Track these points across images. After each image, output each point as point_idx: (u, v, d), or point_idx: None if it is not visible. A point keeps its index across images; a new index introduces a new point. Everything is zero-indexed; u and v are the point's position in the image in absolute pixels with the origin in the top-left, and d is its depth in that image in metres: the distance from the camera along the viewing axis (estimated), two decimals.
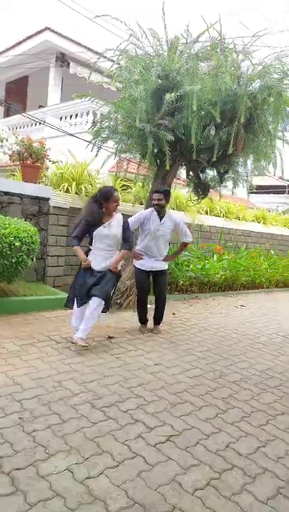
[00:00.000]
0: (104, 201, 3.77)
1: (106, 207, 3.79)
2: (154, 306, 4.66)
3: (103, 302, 3.71)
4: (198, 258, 7.68)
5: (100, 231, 3.79)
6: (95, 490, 1.80)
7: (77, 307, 3.78)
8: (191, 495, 1.84)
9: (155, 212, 4.41)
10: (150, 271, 4.49)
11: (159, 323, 4.66)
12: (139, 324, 4.66)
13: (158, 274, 4.52)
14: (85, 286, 3.73)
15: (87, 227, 3.82)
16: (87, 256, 3.86)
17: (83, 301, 3.74)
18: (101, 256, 3.83)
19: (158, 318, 4.64)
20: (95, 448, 2.13)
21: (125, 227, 3.93)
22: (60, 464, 1.95)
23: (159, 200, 4.35)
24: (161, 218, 4.41)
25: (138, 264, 4.49)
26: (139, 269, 4.49)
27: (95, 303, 3.66)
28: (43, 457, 2.00)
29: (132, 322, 4.90)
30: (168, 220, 4.44)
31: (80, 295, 3.75)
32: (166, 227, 4.42)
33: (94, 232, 3.80)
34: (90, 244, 3.91)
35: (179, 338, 4.48)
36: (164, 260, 4.54)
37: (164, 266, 4.53)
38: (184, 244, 4.70)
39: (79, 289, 3.76)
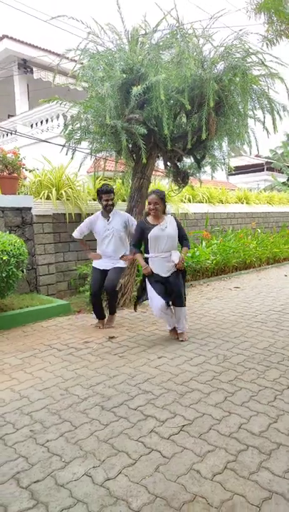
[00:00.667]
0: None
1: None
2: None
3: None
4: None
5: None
6: (116, 490, 1.81)
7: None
8: (211, 480, 1.86)
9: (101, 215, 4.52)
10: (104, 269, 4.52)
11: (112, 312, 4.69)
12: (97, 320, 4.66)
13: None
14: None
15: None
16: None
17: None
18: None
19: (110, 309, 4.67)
20: (109, 449, 2.14)
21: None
22: (77, 470, 1.96)
23: (112, 199, 4.44)
24: (108, 218, 4.48)
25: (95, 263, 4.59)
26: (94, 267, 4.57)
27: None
28: (59, 466, 2.00)
29: (130, 320, 4.91)
30: (115, 218, 4.48)
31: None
32: (113, 225, 4.44)
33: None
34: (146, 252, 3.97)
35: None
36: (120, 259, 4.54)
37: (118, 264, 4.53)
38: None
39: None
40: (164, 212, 3.98)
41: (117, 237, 4.46)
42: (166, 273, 3.90)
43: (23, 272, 4.70)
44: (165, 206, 4.00)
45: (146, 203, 3.99)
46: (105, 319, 4.64)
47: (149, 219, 3.96)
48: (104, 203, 4.45)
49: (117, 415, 2.50)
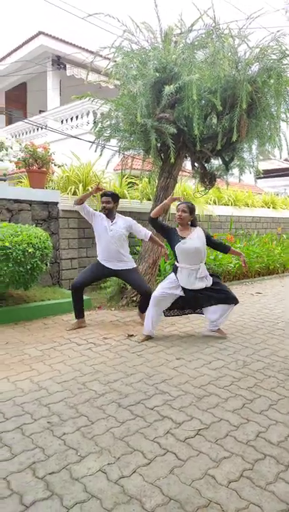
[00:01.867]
0: None
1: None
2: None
3: None
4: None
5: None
6: (130, 489, 1.81)
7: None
8: (226, 487, 1.84)
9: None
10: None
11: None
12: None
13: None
14: None
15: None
16: (176, 272, 3.99)
17: None
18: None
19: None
20: (125, 447, 2.14)
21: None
22: (92, 466, 1.97)
23: (108, 202, 4.39)
24: (112, 220, 4.45)
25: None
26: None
27: None
28: (75, 460, 2.02)
29: None
30: (119, 221, 4.46)
31: None
32: (117, 227, 4.40)
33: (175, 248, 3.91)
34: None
35: (198, 330, 4.47)
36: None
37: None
38: (152, 239, 4.52)
39: None
40: (192, 225, 4.00)
41: (120, 239, 4.40)
42: (191, 286, 3.90)
43: (46, 265, 4.77)
44: (194, 218, 4.00)
45: (176, 210, 3.95)
46: (83, 319, 4.54)
47: (178, 229, 3.98)
48: (102, 205, 4.47)
49: (134, 413, 2.50)
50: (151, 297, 4.05)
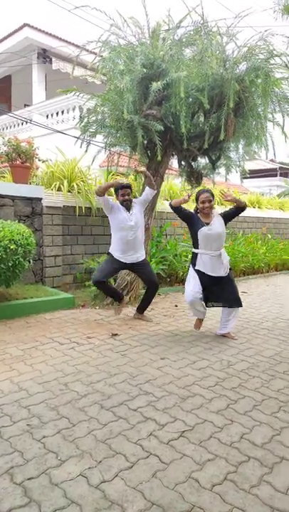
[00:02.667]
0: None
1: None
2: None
3: None
4: None
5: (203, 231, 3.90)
6: (111, 494, 1.76)
7: None
8: (210, 491, 1.80)
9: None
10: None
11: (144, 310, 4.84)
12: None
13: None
14: None
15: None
16: (195, 262, 4.01)
17: None
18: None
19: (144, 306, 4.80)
20: (107, 450, 2.08)
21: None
22: (73, 470, 1.91)
23: (128, 194, 4.44)
24: (129, 210, 4.48)
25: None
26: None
27: None
28: (55, 464, 1.95)
29: (134, 317, 4.85)
30: (135, 209, 4.50)
31: None
32: (136, 217, 4.47)
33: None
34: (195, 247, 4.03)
35: (183, 330, 4.44)
36: None
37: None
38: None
39: None
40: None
41: (141, 228, 4.48)
42: (212, 271, 3.92)
43: (29, 262, 4.66)
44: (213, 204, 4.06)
45: (199, 202, 3.97)
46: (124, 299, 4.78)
47: (201, 216, 4.00)
48: (121, 198, 4.44)
49: (117, 415, 2.45)
50: (189, 302, 4.06)
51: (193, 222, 3.99)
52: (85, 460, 1.99)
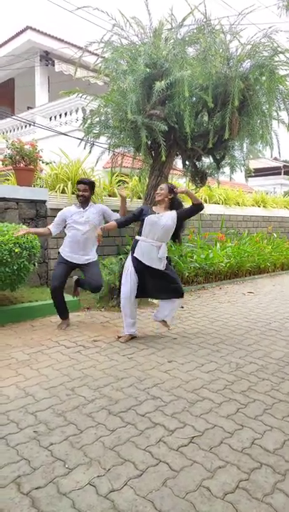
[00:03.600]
0: None
1: None
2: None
3: None
4: (201, 248, 7.58)
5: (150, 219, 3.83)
6: (121, 504, 1.71)
7: None
8: (222, 500, 1.75)
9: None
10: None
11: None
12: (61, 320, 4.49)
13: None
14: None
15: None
16: (135, 249, 3.91)
17: None
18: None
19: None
20: (115, 457, 2.04)
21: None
22: (81, 479, 1.87)
23: (85, 190, 4.31)
24: (83, 208, 4.36)
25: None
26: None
27: None
28: (62, 472, 1.92)
29: (140, 320, 4.81)
30: (90, 209, 4.37)
31: None
32: (88, 214, 4.32)
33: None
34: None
35: (190, 331, 4.39)
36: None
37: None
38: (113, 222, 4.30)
39: None
40: (170, 208, 3.92)
41: (91, 227, 4.29)
42: (149, 261, 3.83)
43: (34, 265, 4.64)
44: (175, 202, 3.94)
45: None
46: (68, 319, 4.49)
47: (155, 208, 3.97)
48: (77, 192, 4.37)
49: (125, 421, 2.41)
50: (124, 299, 3.94)
51: (143, 213, 3.89)
52: (94, 468, 1.95)
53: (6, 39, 14.61)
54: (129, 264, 3.95)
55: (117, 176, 7.44)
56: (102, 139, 5.76)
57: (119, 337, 4.07)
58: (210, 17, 4.90)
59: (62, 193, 6.16)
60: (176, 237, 4.03)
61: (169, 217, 3.82)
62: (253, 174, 7.64)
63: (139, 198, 7.32)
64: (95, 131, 5.49)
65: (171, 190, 3.90)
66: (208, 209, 9.44)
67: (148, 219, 3.80)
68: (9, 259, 4.14)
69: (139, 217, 3.93)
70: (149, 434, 2.26)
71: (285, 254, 9.74)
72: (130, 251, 4.01)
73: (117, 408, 2.56)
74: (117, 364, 3.34)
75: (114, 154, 6.32)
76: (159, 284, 3.94)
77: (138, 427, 2.34)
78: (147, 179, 5.91)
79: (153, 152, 5.59)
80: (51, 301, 4.96)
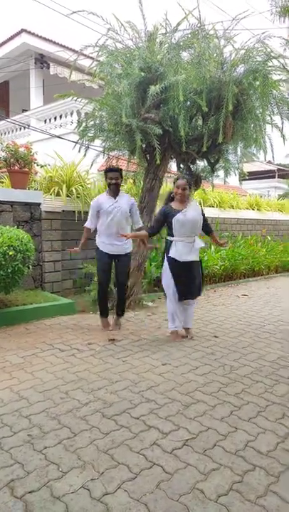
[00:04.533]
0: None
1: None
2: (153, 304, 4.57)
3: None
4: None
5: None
6: (114, 507, 1.71)
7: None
8: (215, 502, 1.76)
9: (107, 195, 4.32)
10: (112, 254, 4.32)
11: (121, 315, 4.58)
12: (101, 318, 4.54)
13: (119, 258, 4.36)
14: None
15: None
16: (169, 250, 4.00)
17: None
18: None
19: (119, 309, 4.55)
20: (109, 461, 2.04)
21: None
22: (75, 482, 1.87)
23: (116, 179, 4.24)
24: (114, 198, 4.27)
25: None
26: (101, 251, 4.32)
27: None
28: (56, 476, 1.91)
29: (135, 323, 4.82)
30: (121, 199, 4.30)
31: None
32: (120, 204, 4.23)
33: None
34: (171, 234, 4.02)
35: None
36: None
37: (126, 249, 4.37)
38: (140, 229, 4.43)
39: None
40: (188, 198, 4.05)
41: (124, 216, 4.21)
42: (185, 257, 3.93)
43: (28, 268, 4.62)
44: (190, 193, 4.08)
45: (175, 187, 3.98)
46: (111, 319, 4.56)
47: (173, 204, 4.01)
48: (108, 181, 4.25)
49: (119, 424, 2.41)
50: (170, 295, 4.06)
51: (168, 215, 3.95)
52: (87, 471, 1.95)
53: (0, 42, 14.60)
54: (167, 266, 4.05)
55: None
56: (97, 141, 5.78)
57: (111, 340, 4.07)
58: (204, 22, 4.96)
59: (57, 195, 6.16)
60: (206, 228, 4.18)
61: (194, 211, 3.96)
62: (247, 177, 7.70)
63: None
64: (89, 134, 5.50)
65: (190, 186, 4.05)
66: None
67: (175, 219, 3.89)
68: (3, 262, 4.13)
69: (165, 220, 4.01)
70: (143, 437, 2.27)
71: (279, 257, 9.80)
72: (164, 252, 4.11)
73: (111, 411, 2.56)
74: (112, 367, 3.34)
75: (109, 157, 6.34)
76: (191, 278, 4.02)
77: (132, 429, 2.34)
78: (142, 182, 5.94)
79: (148, 155, 5.62)
80: (45, 304, 4.97)
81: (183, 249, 3.93)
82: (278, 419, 2.52)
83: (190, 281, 4.02)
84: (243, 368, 3.39)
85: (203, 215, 4.09)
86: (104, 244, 4.27)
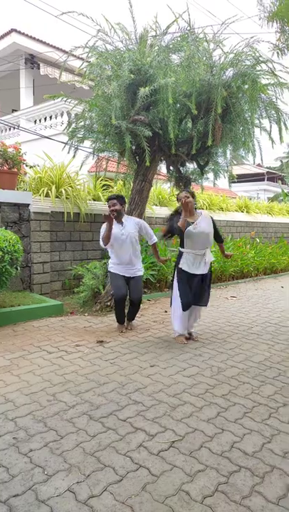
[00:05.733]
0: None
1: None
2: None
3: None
4: None
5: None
6: (100, 510, 1.70)
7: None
8: (201, 504, 1.76)
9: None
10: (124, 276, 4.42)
11: (133, 319, 4.71)
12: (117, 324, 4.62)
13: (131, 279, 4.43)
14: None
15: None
16: (180, 260, 4.00)
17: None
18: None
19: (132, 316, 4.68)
20: (95, 463, 2.03)
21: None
22: (60, 485, 1.85)
23: (114, 205, 4.29)
24: (121, 223, 4.36)
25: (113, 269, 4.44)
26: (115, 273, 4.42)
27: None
28: (41, 479, 1.90)
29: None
30: (128, 223, 4.38)
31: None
32: (128, 230, 4.33)
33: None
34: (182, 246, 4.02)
35: (173, 336, 4.40)
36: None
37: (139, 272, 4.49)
38: (154, 246, 4.64)
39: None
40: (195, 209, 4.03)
41: (133, 241, 4.32)
42: (195, 269, 3.92)
43: (17, 269, 4.59)
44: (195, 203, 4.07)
45: (181, 201, 3.89)
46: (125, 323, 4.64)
47: (185, 215, 3.88)
48: (110, 209, 4.32)
49: (105, 426, 2.40)
50: (182, 304, 4.01)
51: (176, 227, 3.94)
52: (73, 474, 1.94)
53: None
54: (178, 277, 4.04)
55: (101, 180, 7.45)
56: (87, 143, 5.77)
57: (99, 341, 4.06)
58: (194, 25, 4.99)
59: (46, 196, 6.13)
60: (218, 238, 4.22)
61: (206, 225, 3.90)
62: (236, 180, 7.77)
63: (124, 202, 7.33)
64: (79, 136, 5.50)
65: (194, 195, 4.03)
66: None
67: (186, 232, 3.85)
68: None
69: (175, 231, 3.99)
70: (130, 439, 2.26)
71: (267, 259, 9.89)
72: (175, 263, 4.10)
73: (98, 413, 2.55)
74: (100, 369, 3.33)
75: (98, 158, 6.33)
76: (201, 289, 4.02)
77: (119, 432, 2.34)
78: (132, 183, 5.94)
79: (137, 157, 5.63)
80: (33, 306, 4.93)
81: (193, 261, 3.93)
82: (264, 420, 2.54)
83: (199, 290, 4.01)
84: (231, 370, 3.41)
85: (214, 225, 4.05)
86: (118, 267, 4.38)
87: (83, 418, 2.49)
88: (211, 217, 4.06)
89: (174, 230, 4.00)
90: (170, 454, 2.14)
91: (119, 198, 4.38)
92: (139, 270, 4.46)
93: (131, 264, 4.36)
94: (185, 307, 4.01)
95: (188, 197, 3.86)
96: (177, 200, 4.10)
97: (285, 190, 21.57)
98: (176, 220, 3.95)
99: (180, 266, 3.99)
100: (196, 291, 4.00)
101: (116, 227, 4.30)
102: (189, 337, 4.26)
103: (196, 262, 3.94)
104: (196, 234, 3.85)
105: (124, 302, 4.38)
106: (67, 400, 2.72)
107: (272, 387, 3.07)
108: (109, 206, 4.34)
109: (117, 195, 4.44)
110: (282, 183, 26.08)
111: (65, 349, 3.81)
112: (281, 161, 28.72)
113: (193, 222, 3.86)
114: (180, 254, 4.02)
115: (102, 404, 2.69)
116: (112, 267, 4.42)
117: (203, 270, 3.96)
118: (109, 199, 4.38)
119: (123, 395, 2.83)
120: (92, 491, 1.82)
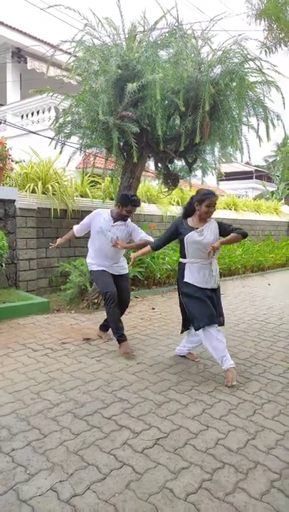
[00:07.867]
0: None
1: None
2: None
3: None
4: (173, 250, 7.62)
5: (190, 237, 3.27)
6: (82, 508, 1.69)
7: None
8: (184, 501, 1.76)
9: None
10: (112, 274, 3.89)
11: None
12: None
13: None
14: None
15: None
16: (184, 271, 3.34)
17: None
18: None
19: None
20: (79, 462, 2.01)
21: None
22: (42, 484, 1.83)
23: (130, 212, 3.78)
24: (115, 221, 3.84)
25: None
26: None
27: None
28: (23, 479, 1.87)
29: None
30: (121, 228, 3.84)
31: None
32: (117, 234, 3.79)
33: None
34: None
35: (160, 333, 4.41)
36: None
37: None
38: (145, 244, 3.70)
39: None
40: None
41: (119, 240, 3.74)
42: (203, 283, 3.27)
43: (2, 266, 4.52)
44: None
45: (204, 205, 3.23)
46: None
47: (190, 221, 3.35)
48: (124, 213, 3.75)
49: (90, 424, 2.38)
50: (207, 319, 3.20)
51: (179, 232, 3.36)
52: (56, 473, 1.92)
53: None
54: (185, 294, 3.34)
55: (89, 176, 7.39)
56: (74, 138, 5.70)
57: (85, 339, 4.02)
58: (182, 22, 4.96)
59: (32, 192, 6.05)
60: (227, 231, 3.37)
61: (212, 232, 3.29)
62: (224, 178, 7.76)
63: (112, 199, 7.30)
64: (66, 131, 5.43)
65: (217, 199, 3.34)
66: (181, 211, 9.53)
67: (189, 239, 3.25)
68: None
69: (176, 236, 3.41)
70: (114, 437, 2.25)
71: (254, 257, 9.96)
72: (178, 276, 3.45)
73: (83, 411, 2.53)
74: (85, 367, 3.30)
75: (86, 154, 6.27)
76: (215, 306, 3.34)
77: (103, 430, 2.32)
78: (119, 180, 5.90)
79: (125, 153, 5.59)
80: (19, 303, 4.87)
81: (198, 274, 3.27)
82: (249, 416, 2.55)
83: (212, 303, 3.30)
84: (217, 366, 3.41)
85: (224, 226, 3.38)
86: (102, 262, 3.84)
87: (67, 416, 2.46)
88: (219, 224, 3.39)
89: (172, 237, 3.47)
90: (154, 451, 2.13)
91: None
92: (124, 268, 3.95)
93: (115, 260, 3.85)
94: (209, 320, 3.16)
95: (215, 206, 3.29)
96: (199, 200, 3.27)
97: (271, 189, 21.75)
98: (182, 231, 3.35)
99: (185, 280, 3.30)
100: (211, 303, 3.30)
101: (107, 220, 3.79)
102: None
103: (202, 273, 3.27)
104: (200, 242, 3.23)
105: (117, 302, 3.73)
106: (52, 398, 2.69)
107: (257, 384, 3.08)
108: (128, 211, 3.76)
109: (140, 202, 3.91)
110: (270, 181, 26.29)
111: (51, 347, 3.77)
112: (266, 160, 28.94)
113: (197, 228, 3.28)
114: (182, 267, 3.37)
115: (87, 402, 2.66)
116: (95, 264, 3.85)
117: (212, 284, 3.32)
118: (135, 205, 3.78)
119: (108, 393, 2.81)
120: (74, 490, 1.80)
